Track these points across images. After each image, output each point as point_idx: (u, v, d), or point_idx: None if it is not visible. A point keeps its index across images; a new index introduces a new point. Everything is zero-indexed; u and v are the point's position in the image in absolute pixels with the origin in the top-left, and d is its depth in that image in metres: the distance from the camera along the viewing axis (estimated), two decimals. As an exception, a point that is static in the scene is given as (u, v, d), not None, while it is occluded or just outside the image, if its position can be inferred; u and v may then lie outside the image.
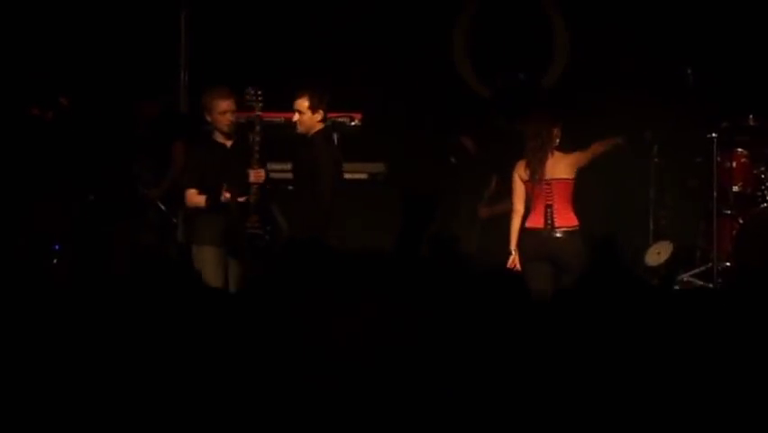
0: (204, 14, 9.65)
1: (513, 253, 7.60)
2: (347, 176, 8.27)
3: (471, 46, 10.61)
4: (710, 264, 8.92)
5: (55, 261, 8.24)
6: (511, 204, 7.83)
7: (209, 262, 7.26)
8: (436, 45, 10.39)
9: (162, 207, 8.72)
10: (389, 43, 9.98)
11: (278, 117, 8.27)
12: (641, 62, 9.83)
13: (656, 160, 9.54)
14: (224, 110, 7.41)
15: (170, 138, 8.85)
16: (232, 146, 7.52)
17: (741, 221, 8.89)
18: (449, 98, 10.06)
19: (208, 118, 7.49)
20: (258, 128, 7.44)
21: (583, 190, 9.50)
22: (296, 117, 7.59)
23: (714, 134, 8.89)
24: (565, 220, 7.83)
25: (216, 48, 9.76)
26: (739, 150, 9.04)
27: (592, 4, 10.19)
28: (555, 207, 7.86)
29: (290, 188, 8.32)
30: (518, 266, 7.47)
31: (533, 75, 10.52)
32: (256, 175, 7.40)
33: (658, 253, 9.11)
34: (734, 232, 8.92)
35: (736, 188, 9.02)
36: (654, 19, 9.93)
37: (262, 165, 7.46)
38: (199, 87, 8.96)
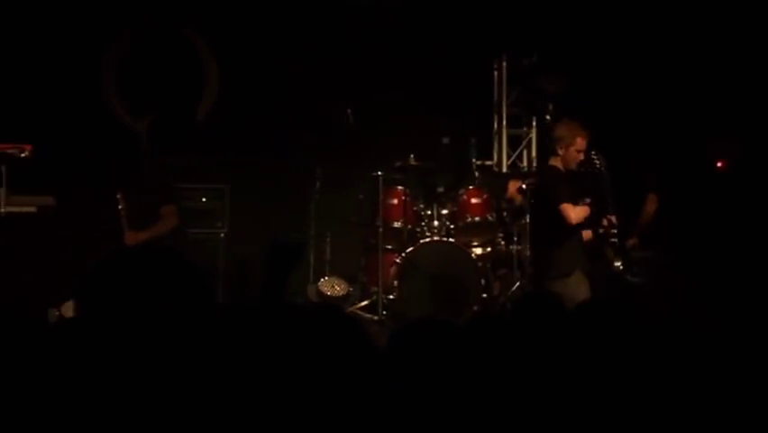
0: None
1: None
2: (15, 209, 7.92)
3: (120, 83, 10.41)
4: (374, 297, 9.23)
5: None
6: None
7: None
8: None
9: None
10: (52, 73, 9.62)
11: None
12: (306, 101, 10.06)
13: (317, 196, 9.80)
14: (580, 148, 7.69)
15: None
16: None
17: (403, 255, 9.17)
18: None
19: (561, 151, 7.69)
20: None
21: (250, 224, 9.63)
22: None
23: (379, 173, 9.24)
24: None
25: None
26: (399, 187, 9.42)
27: (248, 37, 10.31)
28: None
29: None
30: None
31: (186, 106, 10.48)
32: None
33: (333, 286, 9.34)
34: (392, 266, 9.22)
35: (397, 224, 9.40)
36: (319, 59, 10.21)
37: None
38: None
